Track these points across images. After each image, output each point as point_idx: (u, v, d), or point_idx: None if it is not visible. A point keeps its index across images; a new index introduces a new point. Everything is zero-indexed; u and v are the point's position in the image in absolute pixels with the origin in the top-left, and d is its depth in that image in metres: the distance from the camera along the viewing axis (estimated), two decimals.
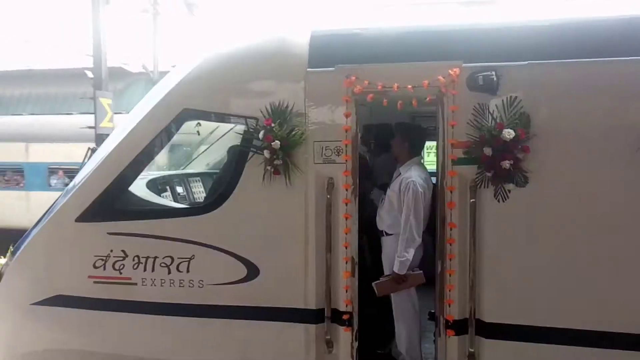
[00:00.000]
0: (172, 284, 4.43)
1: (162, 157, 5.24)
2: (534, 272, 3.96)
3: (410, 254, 4.28)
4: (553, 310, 3.94)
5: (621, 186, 3.80)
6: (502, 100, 3.91)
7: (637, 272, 3.83)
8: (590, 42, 3.92)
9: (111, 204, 4.54)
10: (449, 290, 4.09)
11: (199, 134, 4.63)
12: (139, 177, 4.69)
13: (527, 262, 3.96)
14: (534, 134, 3.89)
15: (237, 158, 4.34)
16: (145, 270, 4.46)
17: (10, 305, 4.86)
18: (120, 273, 4.51)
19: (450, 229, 4.06)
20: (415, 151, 4.61)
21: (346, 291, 4.22)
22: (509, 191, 3.95)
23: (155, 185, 4.94)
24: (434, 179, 4.46)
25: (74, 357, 4.70)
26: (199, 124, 4.81)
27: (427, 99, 4.05)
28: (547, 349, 3.95)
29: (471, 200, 3.98)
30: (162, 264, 4.43)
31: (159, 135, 4.48)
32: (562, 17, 4.09)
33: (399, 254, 4.27)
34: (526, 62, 3.91)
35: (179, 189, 5.06)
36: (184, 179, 5.40)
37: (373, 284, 4.37)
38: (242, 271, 4.33)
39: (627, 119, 3.80)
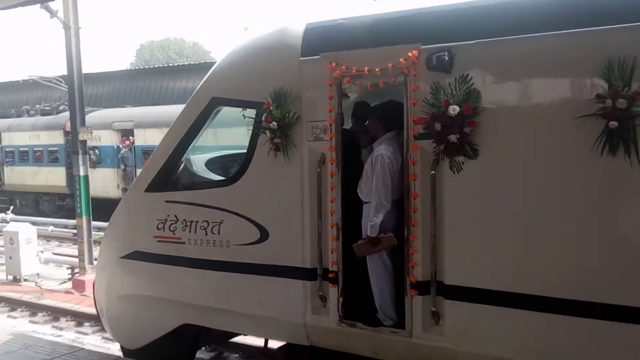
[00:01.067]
0: (208, 244, 5.45)
1: (211, 139, 6.23)
2: (488, 239, 4.20)
3: (379, 219, 4.66)
4: (506, 274, 4.15)
5: (564, 155, 3.86)
6: (455, 78, 4.21)
7: (578, 238, 3.87)
8: (531, 18, 4.01)
9: (167, 177, 5.76)
10: (413, 254, 4.49)
11: (244, 118, 5.49)
12: (190, 154, 5.79)
13: (481, 229, 4.20)
14: (482, 109, 4.09)
15: (251, 138, 5.20)
16: (190, 232, 5.55)
17: (108, 258, 6.38)
18: (174, 234, 5.66)
19: (414, 199, 4.45)
20: (388, 127, 4.92)
21: (332, 253, 4.82)
22: (462, 163, 4.23)
23: (203, 163, 6.01)
24: None
25: (147, 302, 6.00)
26: (244, 109, 5.62)
27: (392, 80, 4.46)
28: (502, 312, 4.17)
29: (431, 172, 4.33)
30: (201, 227, 5.47)
31: (196, 120, 5.52)
32: None
33: (370, 218, 4.69)
34: (474, 41, 4.12)
35: (221, 167, 6.04)
36: (225, 158, 6.38)
37: (353, 245, 4.88)
38: (256, 234, 5.19)
39: (566, 91, 3.84)
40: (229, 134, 6.40)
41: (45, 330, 9.78)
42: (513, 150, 4.06)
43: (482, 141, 4.14)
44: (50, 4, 11.89)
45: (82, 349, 7.12)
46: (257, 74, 5.19)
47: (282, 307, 5.10)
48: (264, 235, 5.15)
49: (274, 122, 4.89)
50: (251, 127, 5.27)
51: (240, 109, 5.31)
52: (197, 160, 5.94)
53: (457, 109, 4.10)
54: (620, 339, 3.76)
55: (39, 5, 11.70)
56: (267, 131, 4.97)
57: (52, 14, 11.99)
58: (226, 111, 5.60)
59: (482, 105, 4.12)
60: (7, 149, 25.66)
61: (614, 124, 3.63)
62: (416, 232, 4.45)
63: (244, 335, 6.49)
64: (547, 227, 3.97)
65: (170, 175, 5.78)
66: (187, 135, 5.64)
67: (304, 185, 4.91)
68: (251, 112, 5.21)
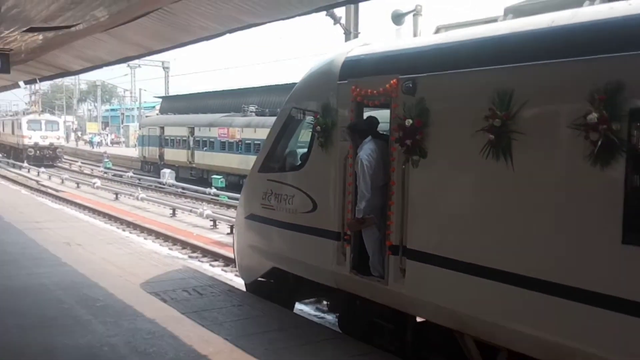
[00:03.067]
0: (286, 211, 7.73)
1: (300, 136, 8.52)
2: (433, 216, 5.84)
3: (362, 205, 6.37)
4: (446, 244, 5.67)
5: (472, 157, 5.32)
6: (416, 100, 5.87)
7: (484, 217, 5.32)
8: (454, 60, 5.68)
9: (268, 162, 8.32)
10: (390, 225, 6.22)
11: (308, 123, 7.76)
12: (282, 147, 8.28)
13: (429, 209, 5.89)
14: (430, 123, 5.79)
15: (311, 137, 7.42)
16: (277, 201, 7.90)
17: (239, 217, 9.14)
18: (269, 202, 8.05)
19: (392, 185, 6.21)
20: (364, 136, 6.57)
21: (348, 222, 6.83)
22: (417, 160, 5.88)
23: (287, 153, 8.38)
24: None
25: (257, 250, 8.57)
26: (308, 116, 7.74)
27: (383, 99, 6.37)
28: (443, 272, 5.66)
29: (402, 166, 6.06)
30: (283, 198, 7.80)
31: (284, 123, 8.04)
32: (446, 40, 5.98)
33: (357, 204, 6.52)
34: (426, 74, 5.86)
35: (297, 157, 8.27)
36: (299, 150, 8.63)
37: (347, 223, 6.70)
38: (311, 205, 7.32)
39: (470, 112, 5.37)
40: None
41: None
42: (447, 152, 5.68)
43: (429, 145, 5.77)
44: (335, 11, 13.44)
45: (222, 282, 10.05)
46: (314, 91, 7.45)
47: (322, 258, 7.09)
48: (314, 206, 7.27)
49: (319, 127, 7.05)
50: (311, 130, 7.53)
51: (307, 116, 7.58)
52: (284, 151, 8.35)
53: (411, 121, 5.80)
54: (516, 297, 5.03)
55: (324, 12, 13.12)
56: (316, 133, 7.13)
57: (336, 20, 14.17)
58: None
59: (429, 119, 5.75)
60: (196, 138, 34.47)
61: (491, 136, 5.09)
62: (392, 209, 6.18)
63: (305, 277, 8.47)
64: (468, 209, 5.51)
65: (270, 161, 8.30)
66: (279, 133, 8.17)
67: (338, 172, 6.91)
68: (311, 119, 7.38)
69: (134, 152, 49.19)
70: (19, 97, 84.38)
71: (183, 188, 29.68)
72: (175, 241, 16.64)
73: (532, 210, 4.95)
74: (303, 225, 7.41)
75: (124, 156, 50.27)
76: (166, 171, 33.61)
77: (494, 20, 5.95)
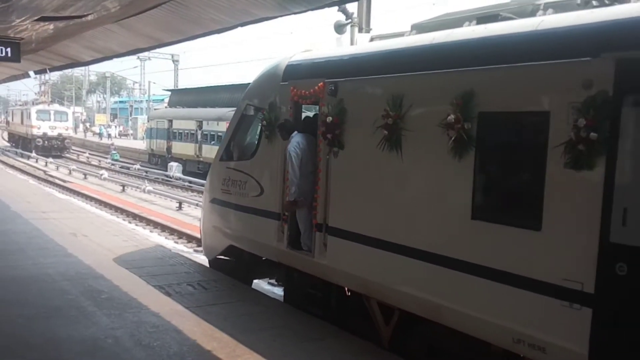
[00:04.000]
0: (240, 195, 8.78)
1: (251, 133, 9.50)
2: (346, 198, 6.94)
3: (292, 190, 7.47)
4: (355, 221, 6.76)
5: (375, 149, 6.33)
6: (337, 100, 6.92)
7: (383, 198, 6.37)
8: (369, 66, 6.78)
9: (227, 152, 9.50)
10: (316, 206, 7.33)
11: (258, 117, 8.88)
12: (238, 139, 9.40)
13: (343, 192, 6.99)
14: (344, 120, 6.82)
15: (260, 130, 8.58)
16: (233, 187, 8.96)
17: (205, 201, 10.30)
18: (227, 187, 9.12)
19: (319, 172, 7.30)
20: (291, 132, 7.68)
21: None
22: (337, 151, 6.97)
23: (242, 145, 9.38)
24: None
25: (217, 230, 9.60)
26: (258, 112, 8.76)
27: (314, 99, 7.39)
28: (353, 245, 6.75)
29: (326, 157, 7.16)
30: (237, 184, 8.86)
31: (240, 117, 9.20)
32: (360, 50, 7.21)
33: (289, 189, 7.57)
34: (344, 79, 6.93)
35: (250, 147, 9.21)
36: (252, 142, 9.42)
37: (283, 206, 7.80)
38: (259, 190, 8.38)
39: (374, 111, 6.31)
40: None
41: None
42: (357, 145, 6.74)
43: (345, 139, 6.85)
44: (347, 6, 14.38)
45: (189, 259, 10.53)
46: (262, 90, 8.64)
47: (266, 236, 8.16)
48: (262, 191, 8.37)
49: (264, 122, 8.20)
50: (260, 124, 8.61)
51: (257, 111, 8.61)
52: (240, 142, 9.41)
53: (331, 119, 6.88)
54: (402, 264, 6.12)
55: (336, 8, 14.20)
56: (263, 127, 8.29)
57: (348, 16, 14.48)
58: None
59: (346, 117, 6.82)
60: (204, 132, 34.65)
61: (386, 132, 6.19)
62: (318, 193, 7.30)
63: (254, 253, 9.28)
64: (371, 192, 6.56)
65: (228, 151, 9.46)
66: (236, 126, 9.37)
67: (279, 161, 7.96)
68: (260, 114, 8.52)
69: (141, 145, 49.31)
70: (29, 87, 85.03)
71: (190, 182, 29.63)
72: (181, 234, 16.61)
73: (415, 192, 6.10)
74: (253, 208, 8.52)
75: (131, 148, 50.40)
76: (173, 164, 33.61)
77: (401, 34, 7.03)
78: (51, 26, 10.06)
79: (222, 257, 9.83)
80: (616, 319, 4.43)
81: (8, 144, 54.66)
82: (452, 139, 5.43)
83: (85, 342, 6.46)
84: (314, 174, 7.38)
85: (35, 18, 9.21)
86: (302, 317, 7.72)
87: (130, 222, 18.25)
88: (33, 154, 43.78)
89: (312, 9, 7.52)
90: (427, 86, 5.92)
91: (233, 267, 9.66)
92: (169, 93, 48.90)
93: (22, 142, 51.91)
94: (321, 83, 7.10)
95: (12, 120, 56.77)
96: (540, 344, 4.87)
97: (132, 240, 12.34)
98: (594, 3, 5.23)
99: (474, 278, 5.34)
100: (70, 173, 34.42)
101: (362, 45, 7.28)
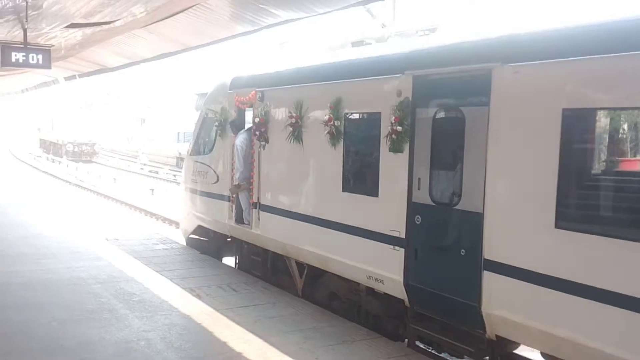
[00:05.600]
0: (202, 183, 10.99)
1: (210, 132, 11.08)
2: (270, 182, 9.02)
3: (237, 175, 9.59)
4: (277, 199, 8.84)
5: (289, 142, 8.40)
6: (264, 105, 8.95)
7: (299, 181, 8.34)
8: (283, 78, 8.86)
9: (194, 148, 11.60)
10: (252, 189, 9.41)
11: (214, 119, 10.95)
12: (201, 136, 11.44)
13: (269, 177, 9.07)
14: (268, 120, 8.90)
15: (215, 130, 10.52)
16: (198, 176, 11.09)
17: (181, 190, 12.56)
18: (195, 177, 11.28)
19: (253, 162, 9.35)
20: (240, 129, 9.81)
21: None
22: (264, 145, 9.02)
23: (204, 141, 11.28)
24: None
25: (190, 214, 11.65)
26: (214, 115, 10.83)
27: (250, 104, 9.37)
28: (276, 217, 8.83)
29: (258, 149, 9.17)
30: (201, 174, 11.02)
31: (202, 120, 11.29)
32: (280, 67, 9.25)
33: (235, 175, 9.63)
34: (269, 88, 8.98)
35: (209, 143, 11.08)
36: (211, 139, 11.10)
37: (228, 188, 9.87)
38: (216, 178, 10.47)
39: (286, 113, 8.42)
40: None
41: None
42: (276, 140, 8.74)
43: (269, 135, 8.91)
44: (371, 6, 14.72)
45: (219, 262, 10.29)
46: (216, 97, 10.65)
47: (221, 215, 10.31)
48: (218, 179, 10.41)
49: (217, 122, 10.27)
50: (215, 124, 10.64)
51: (213, 114, 10.65)
52: (202, 140, 11.34)
53: (258, 119, 8.98)
54: (306, 229, 8.18)
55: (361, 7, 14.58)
56: (217, 127, 10.33)
57: (373, 15, 14.76)
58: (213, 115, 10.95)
59: (269, 118, 8.86)
60: None
61: (291, 129, 8.27)
62: (254, 178, 9.33)
63: (214, 229, 11.11)
64: (285, 176, 8.67)
65: (195, 147, 11.54)
66: (200, 126, 11.37)
67: (228, 154, 10.00)
68: (215, 117, 10.49)
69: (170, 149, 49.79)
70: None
71: None
72: None
73: (309, 174, 8.14)
74: (212, 193, 10.61)
75: (159, 153, 50.93)
76: None
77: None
78: (80, 33, 10.25)
79: (194, 236, 11.88)
80: (416, 254, 6.49)
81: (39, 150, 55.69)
82: (327, 132, 7.56)
83: (118, 344, 6.52)
84: (253, 163, 9.50)
85: (65, 25, 9.37)
86: (332, 320, 7.68)
87: (160, 225, 18.44)
88: (64, 160, 44.56)
89: (336, 10, 7.54)
90: (315, 94, 7.94)
91: (204, 245, 11.63)
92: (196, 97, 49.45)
93: (53, 149, 52.92)
94: (254, 91, 9.25)
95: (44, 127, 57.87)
96: (380, 278, 6.96)
97: (162, 244, 12.46)
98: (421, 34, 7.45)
99: (344, 235, 7.46)
100: (100, 177, 34.92)
101: (281, 62, 9.62)
